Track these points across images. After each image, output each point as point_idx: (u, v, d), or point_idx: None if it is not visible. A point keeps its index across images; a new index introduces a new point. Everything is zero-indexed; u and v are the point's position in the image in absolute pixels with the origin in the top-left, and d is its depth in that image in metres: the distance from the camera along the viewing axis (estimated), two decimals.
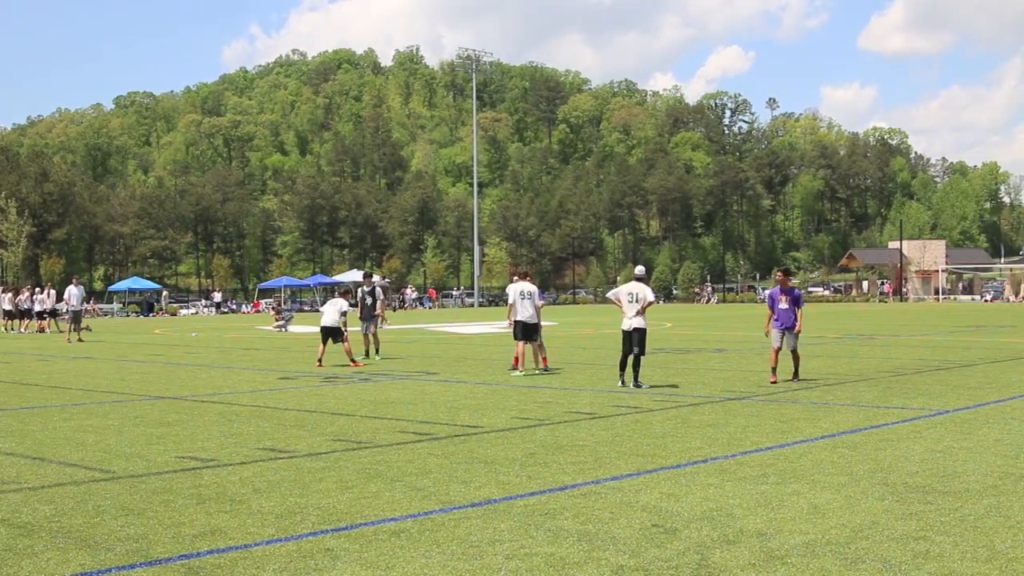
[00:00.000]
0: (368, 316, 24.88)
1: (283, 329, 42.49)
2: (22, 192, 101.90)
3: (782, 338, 17.10)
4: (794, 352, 17.23)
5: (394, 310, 77.81)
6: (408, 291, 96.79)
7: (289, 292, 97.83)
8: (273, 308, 46.68)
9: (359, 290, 25.74)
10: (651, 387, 16.38)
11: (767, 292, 18.32)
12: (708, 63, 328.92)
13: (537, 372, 19.50)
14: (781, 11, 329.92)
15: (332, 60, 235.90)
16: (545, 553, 6.39)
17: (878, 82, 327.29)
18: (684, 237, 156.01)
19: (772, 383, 16.71)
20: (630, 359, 16.61)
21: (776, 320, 17.21)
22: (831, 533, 6.79)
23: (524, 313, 19.66)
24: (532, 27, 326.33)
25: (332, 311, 23.19)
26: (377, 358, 23.98)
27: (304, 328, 43.20)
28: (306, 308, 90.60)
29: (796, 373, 17.30)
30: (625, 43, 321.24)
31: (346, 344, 22.99)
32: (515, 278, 20.80)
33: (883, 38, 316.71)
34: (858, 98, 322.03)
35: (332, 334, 22.95)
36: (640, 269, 17.67)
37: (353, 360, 22.72)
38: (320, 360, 22.42)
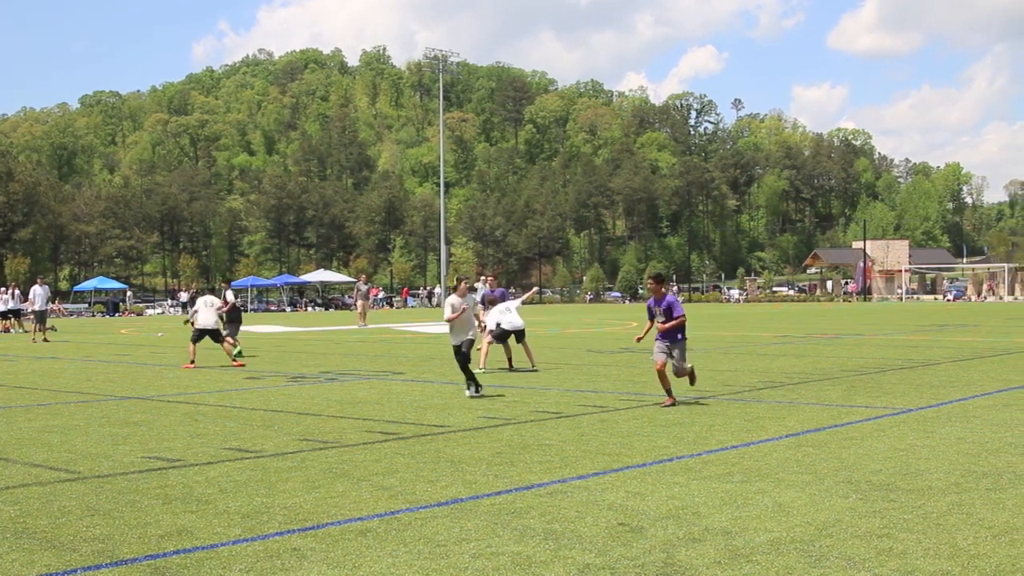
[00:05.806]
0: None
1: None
2: None
3: (665, 357, 13.92)
4: (686, 373, 14.20)
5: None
6: (375, 291, 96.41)
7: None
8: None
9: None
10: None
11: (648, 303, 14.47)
12: (681, 63, 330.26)
13: (534, 369, 19.77)
14: (758, 10, 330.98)
15: (299, 60, 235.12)
16: (512, 552, 6.41)
17: (848, 82, 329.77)
18: (650, 237, 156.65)
19: (669, 405, 13.70)
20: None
21: (657, 335, 14.07)
22: (796, 531, 6.85)
23: (516, 322, 19.87)
24: (508, 25, 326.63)
25: (210, 312, 22.80)
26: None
27: (268, 328, 43.03)
28: (273, 308, 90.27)
29: (692, 380, 14.63)
30: (600, 42, 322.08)
31: (226, 344, 22.79)
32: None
33: (854, 38, 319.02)
34: (828, 98, 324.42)
35: (211, 335, 22.70)
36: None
37: (235, 360, 22.49)
38: (193, 360, 22.05)
